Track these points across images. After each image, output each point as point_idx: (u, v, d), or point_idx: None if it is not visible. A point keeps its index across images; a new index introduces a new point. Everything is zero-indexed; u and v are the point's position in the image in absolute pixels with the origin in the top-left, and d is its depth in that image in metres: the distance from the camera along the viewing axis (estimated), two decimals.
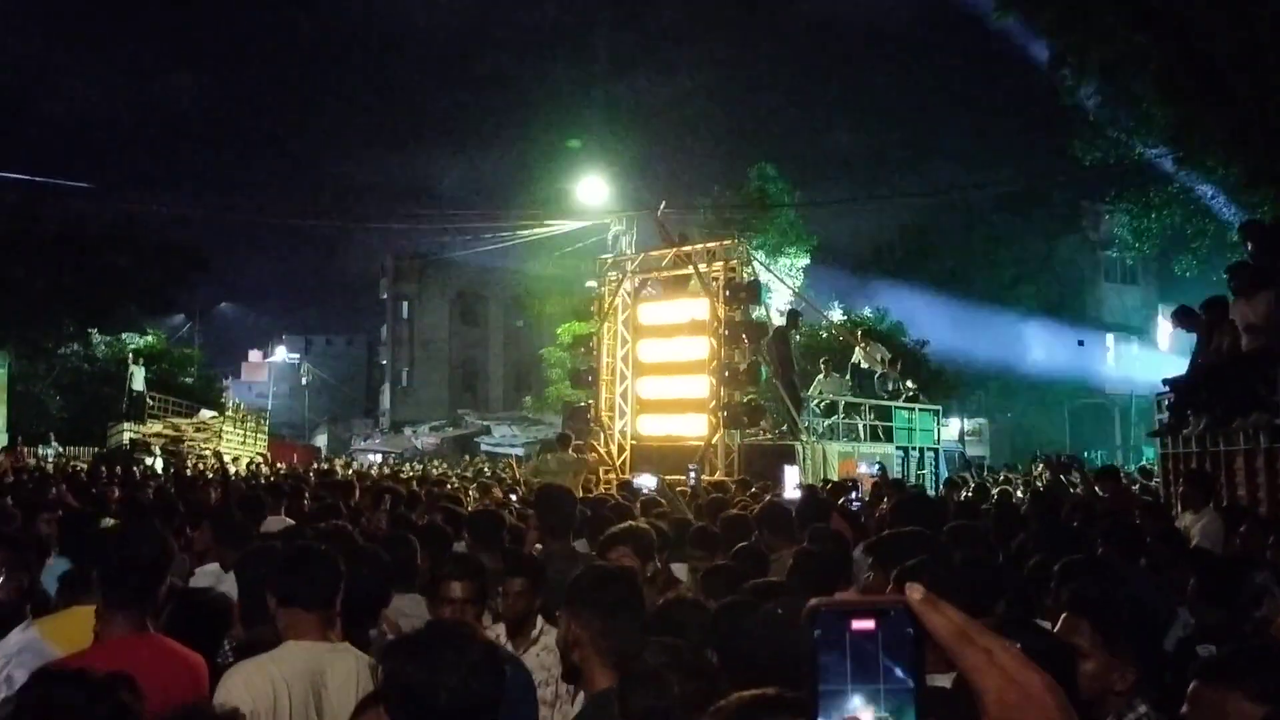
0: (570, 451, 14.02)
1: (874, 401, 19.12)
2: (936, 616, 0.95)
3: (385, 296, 61.25)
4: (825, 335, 25.39)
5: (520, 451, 43.05)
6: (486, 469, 28.34)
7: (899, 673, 0.94)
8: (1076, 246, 43.37)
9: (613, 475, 16.05)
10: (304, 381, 58.28)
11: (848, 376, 20.11)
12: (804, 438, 16.60)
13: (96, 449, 26.42)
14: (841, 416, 18.33)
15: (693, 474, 12.88)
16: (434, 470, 27.25)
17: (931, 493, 14.37)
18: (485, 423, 50.06)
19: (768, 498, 8.60)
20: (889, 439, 18.93)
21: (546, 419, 42.24)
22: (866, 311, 31.68)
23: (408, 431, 51.99)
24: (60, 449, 26.41)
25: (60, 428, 30.17)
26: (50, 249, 34.96)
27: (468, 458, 40.81)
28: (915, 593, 0.96)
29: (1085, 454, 33.73)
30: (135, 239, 37.07)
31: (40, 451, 24.98)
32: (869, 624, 0.95)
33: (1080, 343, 42.18)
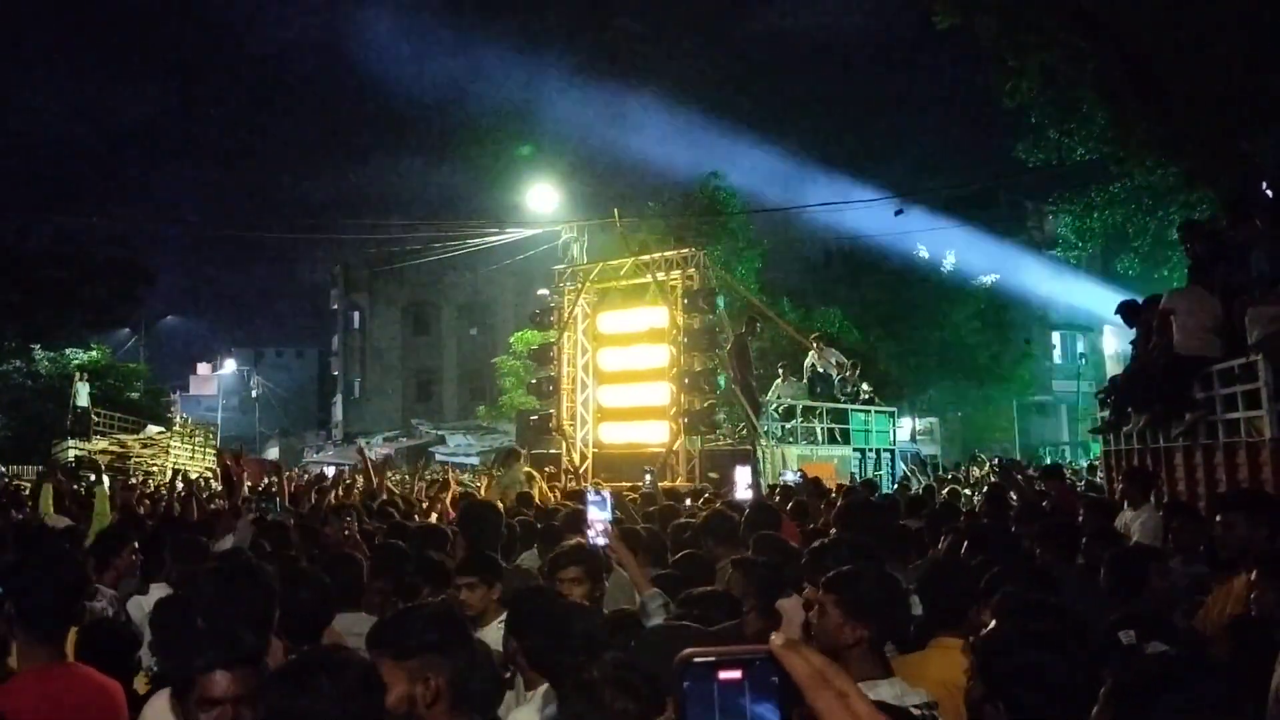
0: (521, 464, 13.97)
1: (830, 405, 19.31)
2: (795, 660, 0.98)
3: (336, 307, 60.62)
4: (781, 340, 25.55)
5: (475, 460, 42.83)
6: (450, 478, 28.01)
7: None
8: (1022, 247, 44.07)
9: (574, 484, 16.05)
10: (254, 394, 57.50)
11: (804, 380, 20.29)
12: (763, 442, 16.73)
13: (40, 467, 25.88)
14: (800, 420, 18.49)
15: (648, 478, 12.86)
16: (391, 480, 26.90)
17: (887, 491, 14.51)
18: (440, 432, 49.73)
19: (717, 504, 8.61)
20: (846, 441, 19.15)
21: (501, 428, 42.06)
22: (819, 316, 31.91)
23: (361, 443, 51.47)
24: (3, 468, 25.84)
25: (2, 446, 29.53)
26: None
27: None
28: (777, 639, 0.99)
29: (1039, 450, 34.22)
30: (78, 254, 36.42)
31: None
32: (736, 674, 0.98)
33: (1027, 341, 42.83)
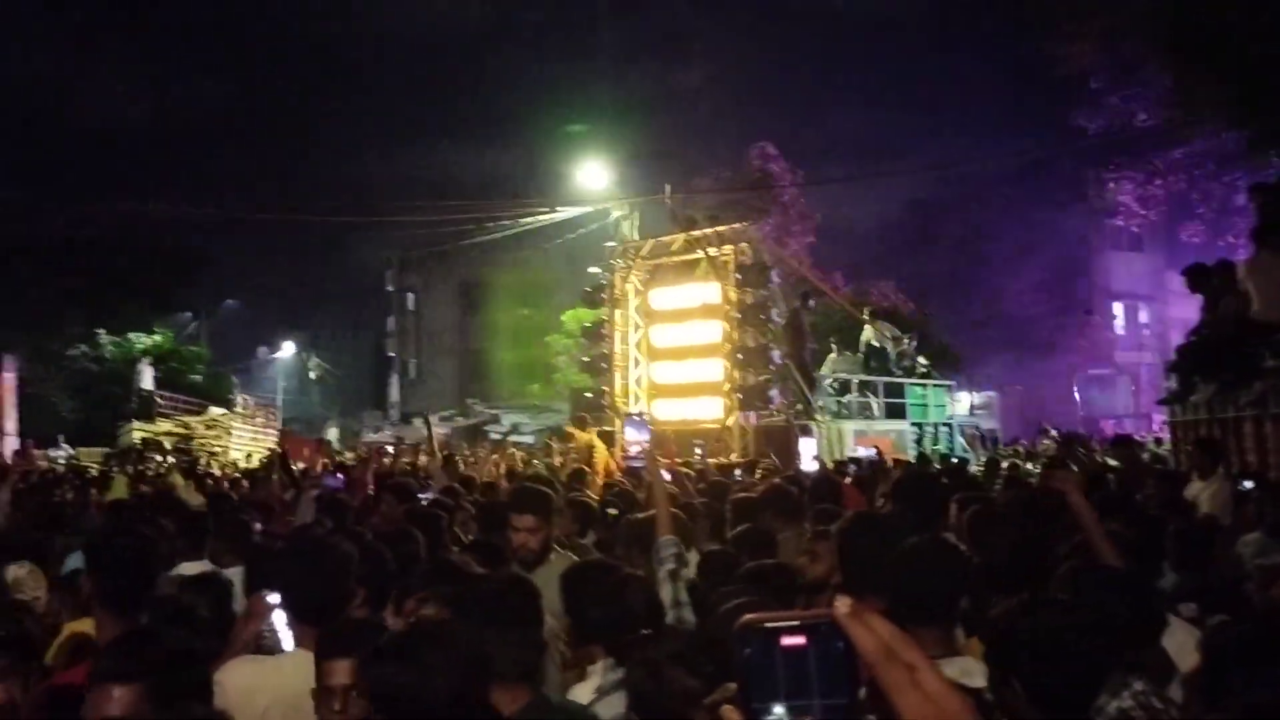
0: (584, 433, 13.98)
1: (887, 379, 19.09)
2: (862, 631, 0.93)
3: (391, 289, 61.26)
4: (835, 314, 25.30)
5: (531, 439, 43.13)
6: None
7: (832, 687, 0.93)
8: (1082, 215, 43.10)
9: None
10: (312, 376, 58.40)
11: (859, 354, 20.08)
12: (818, 417, 16.61)
13: (107, 449, 26.48)
14: (855, 394, 18.31)
15: (698, 454, 12.84)
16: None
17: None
18: (494, 411, 50.12)
19: (776, 478, 8.53)
20: (903, 415, 18.92)
21: (555, 406, 42.24)
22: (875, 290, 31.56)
23: (417, 423, 51.91)
24: (71, 450, 26.46)
25: (70, 429, 30.24)
26: (55, 252, 35.17)
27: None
28: (843, 606, 0.94)
29: (1100, 423, 33.60)
30: (139, 240, 37.20)
31: (51, 454, 25.01)
32: (799, 640, 0.94)
33: (1088, 311, 42.00)
